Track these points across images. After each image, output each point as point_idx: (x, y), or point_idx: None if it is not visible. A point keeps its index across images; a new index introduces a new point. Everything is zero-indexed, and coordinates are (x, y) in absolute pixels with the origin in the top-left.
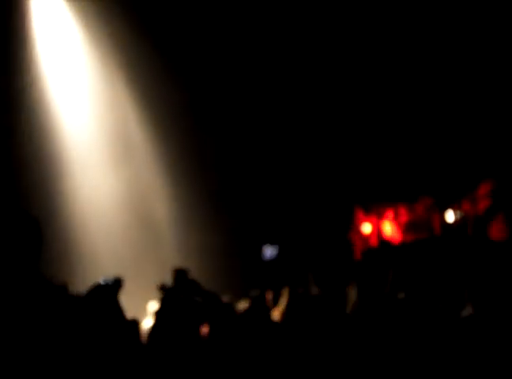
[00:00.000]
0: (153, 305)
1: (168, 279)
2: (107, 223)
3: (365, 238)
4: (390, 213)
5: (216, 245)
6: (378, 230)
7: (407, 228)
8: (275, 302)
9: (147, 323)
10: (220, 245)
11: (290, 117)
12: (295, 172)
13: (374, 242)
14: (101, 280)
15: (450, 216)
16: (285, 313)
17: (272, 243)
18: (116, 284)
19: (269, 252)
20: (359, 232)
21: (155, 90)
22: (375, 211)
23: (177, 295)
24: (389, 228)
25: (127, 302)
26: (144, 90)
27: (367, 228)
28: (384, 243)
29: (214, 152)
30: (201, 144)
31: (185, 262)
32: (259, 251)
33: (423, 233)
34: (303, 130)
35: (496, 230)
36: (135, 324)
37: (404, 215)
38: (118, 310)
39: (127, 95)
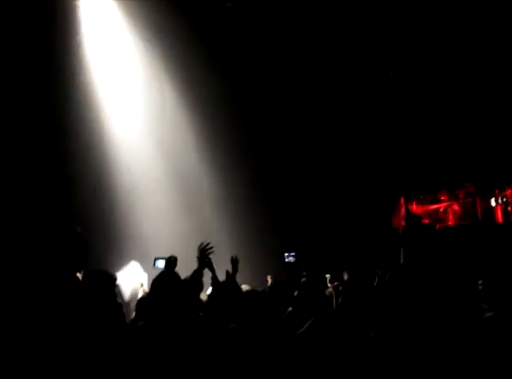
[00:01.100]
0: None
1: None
2: (154, 205)
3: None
4: (434, 199)
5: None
6: (420, 216)
7: (450, 214)
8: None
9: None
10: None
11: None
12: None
13: (416, 227)
14: (156, 260)
15: (493, 202)
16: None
17: (289, 251)
18: (172, 262)
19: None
20: (402, 218)
21: (196, 79)
22: (419, 198)
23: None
24: (431, 214)
25: None
26: (186, 77)
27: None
28: (427, 228)
29: (252, 135)
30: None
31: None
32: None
33: (466, 219)
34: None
35: None
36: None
37: (447, 202)
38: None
39: (169, 79)
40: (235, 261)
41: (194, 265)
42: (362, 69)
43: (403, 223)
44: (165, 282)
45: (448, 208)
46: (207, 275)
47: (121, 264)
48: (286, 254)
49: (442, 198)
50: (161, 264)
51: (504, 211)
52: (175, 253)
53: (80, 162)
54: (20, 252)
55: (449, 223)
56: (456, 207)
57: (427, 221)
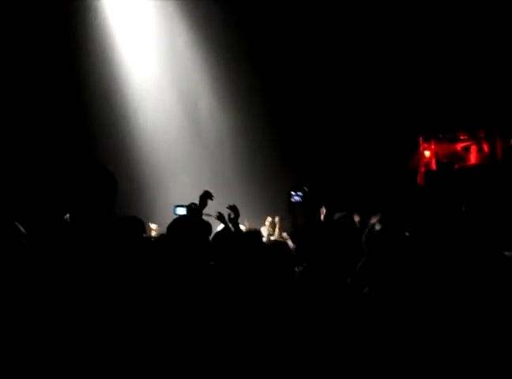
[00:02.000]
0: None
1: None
2: (174, 156)
3: (427, 163)
4: (453, 138)
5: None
6: (440, 155)
7: (470, 153)
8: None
9: None
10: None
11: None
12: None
13: (434, 167)
14: (176, 207)
15: None
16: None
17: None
18: (192, 209)
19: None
20: (421, 157)
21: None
22: (437, 137)
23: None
24: (450, 153)
25: None
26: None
27: (427, 153)
28: (445, 166)
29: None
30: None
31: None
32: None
33: (485, 159)
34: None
35: None
36: None
37: (466, 142)
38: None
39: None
40: (233, 207)
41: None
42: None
43: (422, 165)
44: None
45: (469, 147)
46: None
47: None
48: (293, 193)
49: (462, 137)
50: (181, 211)
51: None
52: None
53: (98, 112)
54: (51, 188)
55: (470, 163)
56: (475, 146)
57: (445, 160)
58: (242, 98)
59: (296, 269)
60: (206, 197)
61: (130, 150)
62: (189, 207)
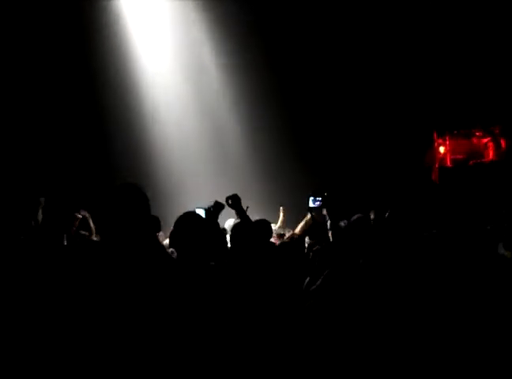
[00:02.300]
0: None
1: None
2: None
3: (441, 159)
4: (469, 134)
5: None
6: (453, 152)
7: (487, 149)
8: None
9: None
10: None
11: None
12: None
13: (448, 163)
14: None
15: None
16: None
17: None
18: (218, 207)
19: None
20: (435, 153)
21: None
22: (452, 133)
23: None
24: (466, 149)
25: None
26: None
27: (442, 149)
28: (457, 163)
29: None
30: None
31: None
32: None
33: (501, 155)
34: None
35: None
36: None
37: (481, 138)
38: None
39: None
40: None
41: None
42: None
43: (436, 161)
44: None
45: (486, 144)
46: None
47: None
48: (312, 198)
49: (477, 134)
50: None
51: None
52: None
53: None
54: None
55: (485, 159)
56: (491, 143)
57: (460, 157)
58: (259, 96)
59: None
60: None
61: (144, 151)
62: (207, 210)
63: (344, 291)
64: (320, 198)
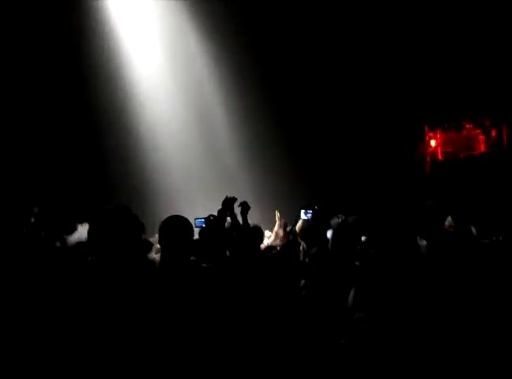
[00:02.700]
0: None
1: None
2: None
3: (432, 153)
4: (459, 127)
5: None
6: (443, 145)
7: (476, 142)
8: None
9: None
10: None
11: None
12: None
13: (440, 156)
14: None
15: None
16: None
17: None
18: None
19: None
20: (427, 147)
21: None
22: (443, 126)
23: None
24: (456, 142)
25: None
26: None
27: (433, 143)
28: (449, 156)
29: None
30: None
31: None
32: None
33: (492, 147)
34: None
35: None
36: None
37: (472, 130)
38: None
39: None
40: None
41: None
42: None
43: (428, 155)
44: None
45: (477, 136)
46: None
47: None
48: (303, 211)
49: (467, 126)
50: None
51: None
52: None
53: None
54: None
55: (476, 152)
56: (481, 135)
57: (451, 150)
58: (253, 100)
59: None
60: (227, 208)
61: (138, 156)
62: (207, 219)
63: (339, 293)
64: (311, 211)
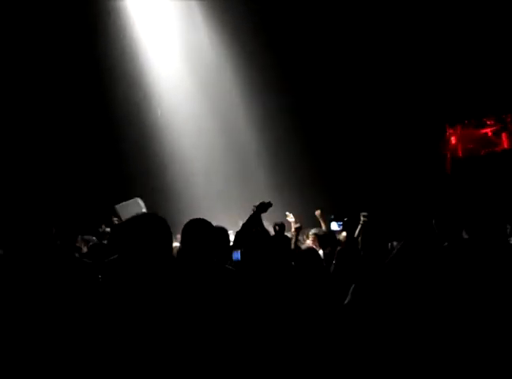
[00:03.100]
0: None
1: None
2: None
3: (452, 150)
4: (480, 124)
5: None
6: (464, 142)
7: (494, 139)
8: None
9: None
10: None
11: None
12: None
13: (460, 153)
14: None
15: None
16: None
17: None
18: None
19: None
20: (447, 144)
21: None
22: (463, 122)
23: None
24: (478, 139)
25: None
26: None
27: (453, 140)
28: (469, 153)
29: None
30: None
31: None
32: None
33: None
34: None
35: None
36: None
37: (493, 127)
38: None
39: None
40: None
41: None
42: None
43: (448, 151)
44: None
45: (498, 132)
46: None
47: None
48: (335, 223)
49: (489, 123)
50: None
51: None
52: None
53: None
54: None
55: (498, 148)
56: (503, 132)
57: (471, 146)
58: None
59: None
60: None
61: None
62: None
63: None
64: (341, 222)
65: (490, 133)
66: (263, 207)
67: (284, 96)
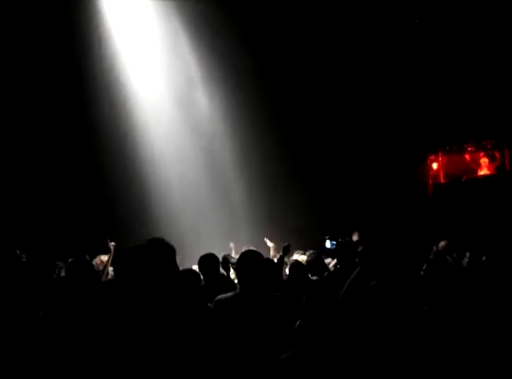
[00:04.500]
0: None
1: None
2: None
3: (434, 176)
4: (461, 150)
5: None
6: (446, 168)
7: (475, 165)
8: None
9: None
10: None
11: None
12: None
13: (442, 179)
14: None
15: None
16: None
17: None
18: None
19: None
20: (428, 170)
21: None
22: (444, 149)
23: None
24: (458, 165)
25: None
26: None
27: (435, 166)
28: (451, 179)
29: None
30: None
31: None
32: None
33: (494, 169)
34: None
35: None
36: None
37: (474, 153)
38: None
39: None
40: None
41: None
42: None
43: (430, 178)
44: None
45: (479, 159)
46: None
47: None
48: (328, 241)
49: (469, 149)
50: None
51: None
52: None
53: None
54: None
55: (479, 175)
56: (484, 158)
57: (453, 173)
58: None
59: None
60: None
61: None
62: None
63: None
64: (335, 242)
65: (470, 160)
66: (287, 250)
67: (270, 114)
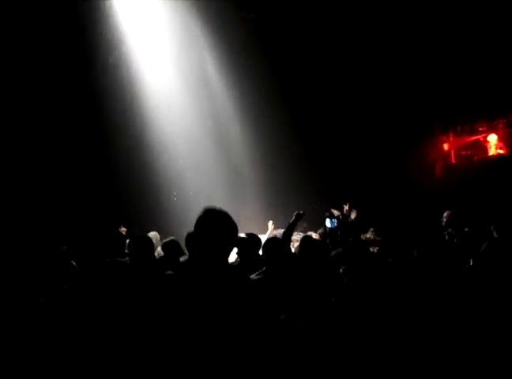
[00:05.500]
0: None
1: None
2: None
3: (444, 156)
4: (472, 130)
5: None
6: (457, 148)
7: (488, 145)
8: None
9: None
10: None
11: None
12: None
13: (453, 160)
14: None
15: None
16: None
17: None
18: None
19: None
20: (439, 150)
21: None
22: (455, 129)
23: None
24: (470, 145)
25: None
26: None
27: (445, 146)
28: (462, 159)
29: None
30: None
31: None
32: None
33: (506, 149)
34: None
35: None
36: None
37: (485, 133)
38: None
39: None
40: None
41: None
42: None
43: (440, 158)
44: None
45: (491, 138)
46: None
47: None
48: (328, 220)
49: (480, 129)
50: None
51: None
52: None
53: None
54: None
55: (490, 154)
56: (496, 137)
57: (464, 153)
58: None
59: None
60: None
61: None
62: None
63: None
64: (335, 220)
65: (481, 140)
66: (300, 216)
67: (280, 108)
